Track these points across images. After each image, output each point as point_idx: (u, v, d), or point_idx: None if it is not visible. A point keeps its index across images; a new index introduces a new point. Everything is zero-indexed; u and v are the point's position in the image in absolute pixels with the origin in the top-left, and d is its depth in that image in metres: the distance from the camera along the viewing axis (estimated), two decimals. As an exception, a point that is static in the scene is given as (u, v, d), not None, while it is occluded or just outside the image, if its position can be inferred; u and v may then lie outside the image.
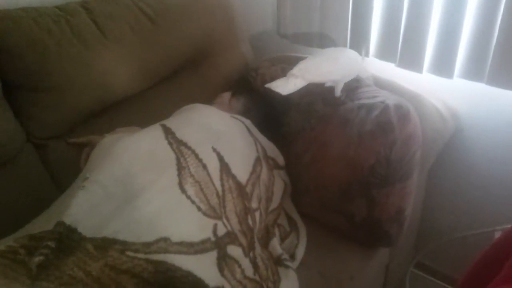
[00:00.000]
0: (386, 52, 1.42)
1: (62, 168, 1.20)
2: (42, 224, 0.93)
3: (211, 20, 1.44)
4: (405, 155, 1.13)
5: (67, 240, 0.87)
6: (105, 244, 0.86)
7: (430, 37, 1.30)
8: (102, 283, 0.83)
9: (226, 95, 1.37)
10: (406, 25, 1.32)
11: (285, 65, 1.43)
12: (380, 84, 1.35)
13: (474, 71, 1.28)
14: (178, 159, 0.99)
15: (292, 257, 1.16)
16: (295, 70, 1.18)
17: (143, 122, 1.22)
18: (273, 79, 1.37)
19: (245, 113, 1.29)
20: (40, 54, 1.08)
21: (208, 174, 1.01)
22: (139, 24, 1.25)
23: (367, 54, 1.45)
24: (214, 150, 1.06)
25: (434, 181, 1.54)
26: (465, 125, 1.43)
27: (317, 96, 1.30)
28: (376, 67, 1.46)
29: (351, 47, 1.48)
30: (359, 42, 1.45)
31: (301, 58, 1.33)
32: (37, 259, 0.84)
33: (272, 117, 1.34)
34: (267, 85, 1.16)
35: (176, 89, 1.43)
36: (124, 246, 0.86)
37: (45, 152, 1.19)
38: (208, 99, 1.37)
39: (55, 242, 0.86)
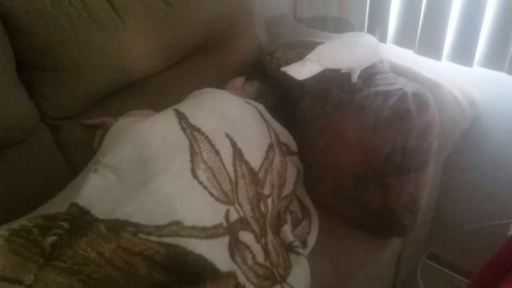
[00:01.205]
0: (404, 38, 1.39)
1: (76, 149, 1.20)
2: (56, 206, 0.94)
3: (226, 3, 1.42)
4: (422, 144, 1.11)
5: (80, 221, 0.87)
6: (117, 226, 0.87)
7: (450, 24, 1.27)
8: (114, 264, 0.84)
9: (239, 80, 1.36)
10: (425, 11, 1.29)
11: (301, 50, 1.41)
12: (398, 71, 1.33)
13: (494, 60, 1.24)
14: (191, 145, 0.99)
15: (304, 244, 1.16)
16: (311, 55, 1.16)
17: (157, 104, 1.23)
18: (288, 63, 1.36)
19: (259, 98, 1.28)
20: (54, 34, 1.08)
21: (221, 160, 1.00)
22: (155, 6, 1.24)
23: (384, 40, 1.42)
24: (227, 135, 1.05)
25: (450, 171, 1.52)
26: (483, 115, 1.40)
27: (333, 83, 1.28)
28: (394, 54, 1.43)
29: (369, 32, 1.46)
30: (377, 28, 1.42)
31: (318, 43, 1.31)
32: (51, 239, 0.84)
33: (287, 103, 1.33)
34: (282, 69, 1.14)
35: (190, 72, 1.42)
36: (136, 228, 0.86)
37: (59, 132, 1.19)
38: (222, 83, 1.36)
39: (68, 222, 0.87)
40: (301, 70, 1.14)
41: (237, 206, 0.99)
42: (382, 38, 1.42)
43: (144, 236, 0.86)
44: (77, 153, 1.19)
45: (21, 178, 1.10)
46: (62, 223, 0.86)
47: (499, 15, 1.19)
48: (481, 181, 1.51)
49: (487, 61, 1.26)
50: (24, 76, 1.10)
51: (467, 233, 1.52)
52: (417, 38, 1.34)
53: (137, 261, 0.84)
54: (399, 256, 1.41)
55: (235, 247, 0.95)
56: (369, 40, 1.28)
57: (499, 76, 1.26)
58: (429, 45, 1.32)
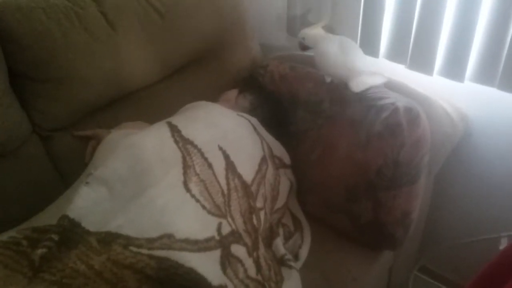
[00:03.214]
0: (396, 53, 1.40)
1: (67, 160, 1.19)
2: (46, 218, 0.94)
3: (220, 16, 1.43)
4: (413, 158, 1.12)
5: (71, 233, 0.87)
6: (108, 239, 0.86)
7: (442, 40, 1.28)
8: (104, 277, 0.83)
9: (232, 93, 1.36)
10: (417, 27, 1.30)
11: (294, 63, 1.42)
12: (390, 85, 1.33)
13: (485, 75, 1.26)
14: (184, 158, 0.99)
15: (296, 257, 1.16)
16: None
17: (149, 116, 1.22)
18: (282, 77, 1.37)
19: (252, 111, 1.28)
20: (48, 45, 1.08)
21: (214, 173, 1.00)
22: (148, 18, 1.24)
23: (377, 55, 1.43)
24: (220, 148, 1.05)
25: (441, 185, 1.53)
26: (474, 130, 1.41)
27: (325, 95, 1.29)
28: (386, 68, 1.44)
29: (361, 46, 1.47)
30: (369, 43, 1.43)
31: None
32: (40, 251, 0.84)
33: (279, 116, 1.33)
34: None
35: (183, 84, 1.42)
36: (127, 241, 0.86)
37: (50, 143, 1.18)
38: (215, 96, 1.36)
39: (58, 235, 0.86)
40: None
41: (229, 219, 0.98)
42: (375, 53, 1.44)
43: (135, 249, 0.85)
44: (69, 164, 1.18)
45: (11, 189, 1.09)
46: (52, 236, 0.86)
47: (490, 31, 1.20)
48: (472, 195, 1.51)
49: (478, 76, 1.27)
50: (16, 86, 1.10)
51: (458, 247, 1.53)
52: (409, 53, 1.35)
53: (127, 274, 0.84)
54: (391, 269, 1.40)
55: (227, 261, 0.94)
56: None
57: (489, 91, 1.27)
58: (421, 60, 1.33)
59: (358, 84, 1.23)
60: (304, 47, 1.35)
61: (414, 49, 1.33)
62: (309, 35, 1.32)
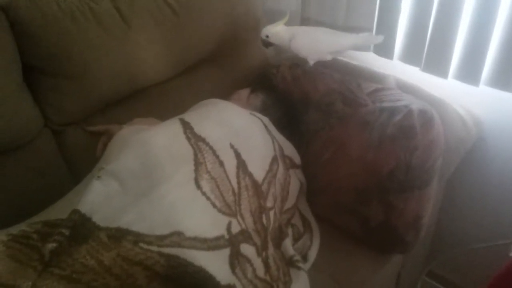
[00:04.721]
0: (411, 55, 1.39)
1: (79, 155, 1.19)
2: (57, 212, 0.93)
3: (234, 15, 1.43)
4: (426, 161, 1.11)
5: (81, 228, 0.87)
6: (118, 234, 0.86)
7: (458, 43, 1.27)
8: (114, 273, 0.83)
9: (244, 92, 1.35)
10: (433, 29, 1.29)
11: (305, 63, 1.42)
12: (404, 87, 1.33)
13: (501, 80, 1.24)
14: (195, 155, 0.98)
15: (305, 258, 1.15)
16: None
17: (161, 113, 1.22)
18: (294, 77, 1.37)
19: (263, 110, 1.27)
20: (62, 40, 1.08)
21: (225, 171, 1.00)
22: (162, 15, 1.24)
23: (391, 57, 1.42)
24: (232, 147, 1.05)
25: (452, 189, 1.51)
26: (488, 134, 1.40)
27: (337, 96, 1.28)
28: (400, 71, 1.43)
29: (376, 48, 1.46)
30: (384, 45, 1.42)
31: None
32: (51, 245, 0.83)
33: (291, 116, 1.33)
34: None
35: (196, 82, 1.42)
36: (137, 237, 0.86)
37: (62, 138, 1.19)
38: (227, 94, 1.36)
39: (69, 229, 0.86)
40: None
41: (239, 218, 0.98)
42: (389, 55, 1.43)
43: (144, 246, 0.85)
44: (80, 159, 1.19)
45: (22, 183, 1.09)
46: (63, 230, 0.85)
47: (506, 35, 1.19)
48: (484, 200, 1.50)
49: (494, 80, 1.26)
50: (30, 80, 1.10)
51: (468, 252, 1.51)
52: (424, 55, 1.34)
53: (136, 271, 0.83)
54: (399, 273, 1.39)
55: (236, 260, 0.93)
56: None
57: (505, 96, 1.26)
58: (436, 63, 1.32)
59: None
60: (267, 44, 1.38)
61: (429, 52, 1.32)
62: (272, 32, 1.35)
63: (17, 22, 1.04)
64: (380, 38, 1.37)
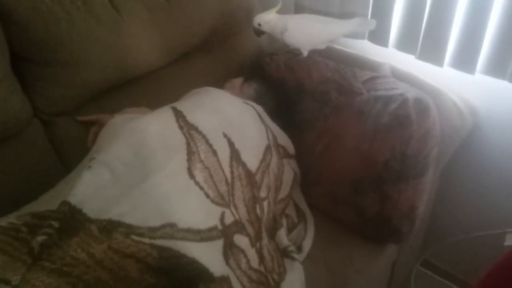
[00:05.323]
0: (406, 43, 1.38)
1: (69, 145, 1.18)
2: (47, 203, 0.92)
3: (228, 2, 1.41)
4: (422, 151, 1.10)
5: (71, 220, 0.85)
6: (109, 227, 0.84)
7: (453, 30, 1.26)
8: (105, 266, 0.82)
9: (238, 81, 1.34)
10: (428, 16, 1.28)
11: (299, 52, 1.40)
12: (399, 75, 1.31)
13: (496, 68, 1.24)
14: (188, 144, 0.97)
15: (299, 249, 1.14)
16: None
17: (154, 101, 1.20)
18: (288, 65, 1.35)
19: (257, 99, 1.26)
20: (51, 28, 1.05)
21: (218, 160, 0.98)
22: (154, 2, 1.22)
23: (386, 45, 1.41)
24: (225, 136, 1.03)
25: (447, 178, 1.51)
26: (484, 123, 1.39)
27: (332, 85, 1.26)
28: (395, 58, 1.42)
29: (370, 36, 1.44)
30: (379, 33, 1.40)
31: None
32: (40, 238, 0.82)
33: (285, 105, 1.31)
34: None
35: (188, 70, 1.40)
36: (129, 229, 0.84)
37: (52, 128, 1.17)
38: (221, 83, 1.34)
39: (58, 222, 0.84)
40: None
41: (232, 208, 0.97)
42: (384, 43, 1.41)
43: (136, 238, 0.84)
44: (70, 150, 1.17)
45: (11, 174, 1.07)
46: (52, 222, 0.84)
47: (502, 23, 1.18)
48: (479, 189, 1.50)
49: (489, 68, 1.25)
50: (18, 69, 1.08)
51: (462, 242, 1.51)
52: (419, 43, 1.32)
53: (128, 264, 0.82)
54: (394, 263, 1.39)
55: (230, 251, 0.92)
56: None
57: (500, 84, 1.25)
58: (431, 51, 1.30)
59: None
60: (259, 33, 1.38)
61: (425, 40, 1.31)
62: (264, 21, 1.34)
63: (5, 11, 1.01)
64: (373, 23, 1.36)
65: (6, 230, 0.83)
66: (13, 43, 1.05)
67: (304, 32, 1.35)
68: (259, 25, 1.34)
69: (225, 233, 0.92)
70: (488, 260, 0.92)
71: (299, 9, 1.57)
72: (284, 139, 1.23)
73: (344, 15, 1.45)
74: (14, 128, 1.07)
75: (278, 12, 1.34)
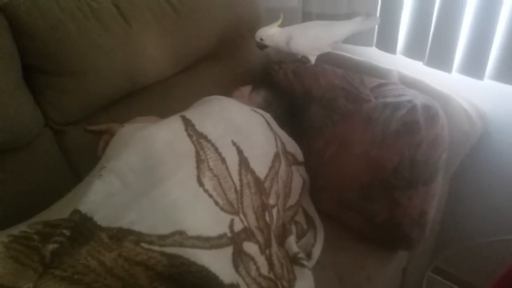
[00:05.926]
0: (414, 50, 1.38)
1: (80, 155, 1.19)
2: (58, 211, 0.92)
3: (234, 11, 1.42)
4: (431, 157, 1.10)
5: (82, 228, 0.86)
6: (120, 235, 0.85)
7: (462, 36, 1.25)
8: (115, 274, 0.82)
9: (246, 89, 1.34)
10: (436, 23, 1.28)
11: (307, 60, 1.40)
12: (407, 82, 1.31)
13: (506, 73, 1.23)
14: (197, 152, 0.97)
15: (309, 256, 1.14)
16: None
17: (163, 111, 1.21)
18: (296, 73, 1.36)
19: (265, 107, 1.26)
20: (61, 38, 1.07)
21: (227, 168, 0.99)
22: (162, 12, 1.23)
23: (394, 52, 1.41)
24: (234, 143, 1.04)
25: (457, 184, 1.50)
26: (493, 129, 1.38)
27: (340, 92, 1.26)
28: (404, 65, 1.42)
29: (378, 43, 1.44)
30: (386, 39, 1.40)
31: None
32: (51, 246, 0.83)
33: (293, 112, 1.32)
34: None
35: (197, 79, 1.41)
36: (139, 237, 0.85)
37: (63, 137, 1.18)
38: (229, 91, 1.35)
39: (70, 230, 0.85)
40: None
41: (241, 216, 0.97)
42: (392, 49, 1.41)
43: (146, 246, 0.84)
44: (81, 158, 1.18)
45: (23, 183, 1.08)
46: (63, 231, 0.84)
47: (511, 28, 1.17)
48: (489, 195, 1.48)
49: (498, 74, 1.24)
50: (30, 79, 1.10)
51: (473, 247, 1.50)
52: (427, 49, 1.32)
53: (138, 271, 0.83)
54: (405, 270, 1.38)
55: (239, 258, 0.93)
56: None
57: (510, 89, 1.24)
58: (440, 57, 1.30)
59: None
60: (263, 46, 1.38)
61: (433, 46, 1.31)
62: (267, 35, 1.34)
63: (16, 22, 1.03)
64: (376, 20, 1.35)
65: (18, 238, 0.84)
66: (24, 54, 1.06)
67: (309, 37, 1.34)
68: (261, 39, 1.34)
69: (234, 241, 0.92)
70: (500, 265, 0.91)
71: (307, 17, 1.58)
72: (292, 146, 1.24)
73: (350, 17, 1.45)
74: (26, 138, 1.09)
75: (284, 23, 1.34)
